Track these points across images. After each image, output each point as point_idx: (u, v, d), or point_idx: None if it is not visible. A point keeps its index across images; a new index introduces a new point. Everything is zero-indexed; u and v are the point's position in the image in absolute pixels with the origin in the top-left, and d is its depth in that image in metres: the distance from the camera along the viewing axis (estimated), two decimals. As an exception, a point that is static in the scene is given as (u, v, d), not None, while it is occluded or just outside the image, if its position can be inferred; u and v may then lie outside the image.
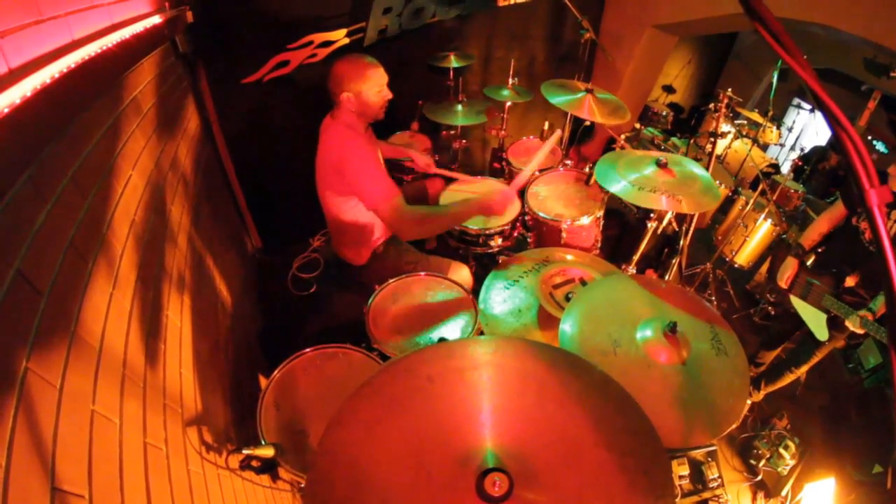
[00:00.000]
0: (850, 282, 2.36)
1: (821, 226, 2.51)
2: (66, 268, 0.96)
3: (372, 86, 2.05)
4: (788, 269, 2.49)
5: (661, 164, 2.17)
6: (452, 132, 3.55)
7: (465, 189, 2.86)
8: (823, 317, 2.43)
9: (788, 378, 2.80)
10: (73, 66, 1.05)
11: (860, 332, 2.26)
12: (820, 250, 2.60)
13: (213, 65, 2.68)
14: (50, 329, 0.85)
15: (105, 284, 1.11)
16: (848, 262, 2.39)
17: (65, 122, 1.03)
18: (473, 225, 2.55)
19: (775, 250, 2.95)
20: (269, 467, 1.56)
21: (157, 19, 1.82)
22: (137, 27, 1.59)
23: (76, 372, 0.89)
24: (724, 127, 4.49)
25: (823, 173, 5.10)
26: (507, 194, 2.14)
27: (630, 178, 2.16)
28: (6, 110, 0.79)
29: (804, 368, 2.72)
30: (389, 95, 2.13)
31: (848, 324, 2.28)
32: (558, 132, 2.63)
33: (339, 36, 3.00)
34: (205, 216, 2.15)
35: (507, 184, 2.92)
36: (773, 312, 3.50)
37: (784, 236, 3.44)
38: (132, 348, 1.14)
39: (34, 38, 1.02)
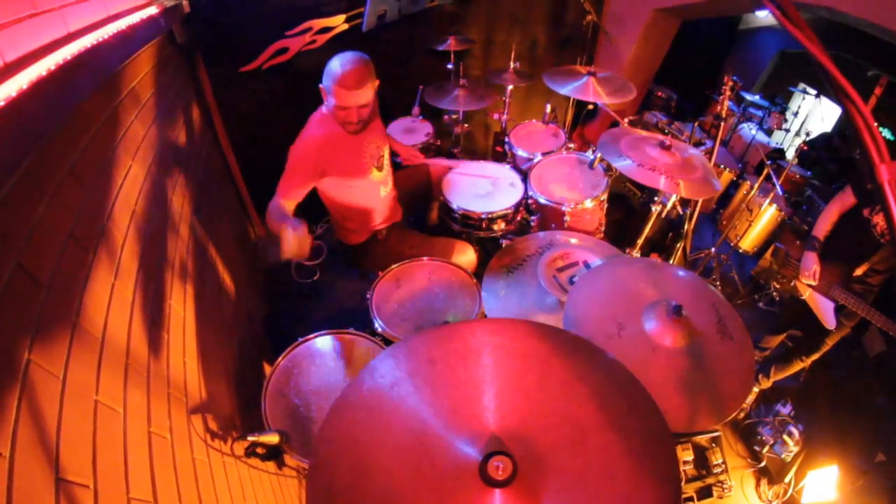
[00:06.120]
0: (858, 271, 2.34)
1: (831, 215, 2.48)
2: (67, 259, 0.96)
3: (334, 100, 1.98)
4: (811, 263, 2.45)
5: (664, 146, 2.15)
6: (454, 116, 3.53)
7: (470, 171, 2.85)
8: (831, 305, 2.41)
9: (798, 366, 2.81)
10: (69, 58, 1.05)
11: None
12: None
13: (211, 54, 2.66)
14: (51, 320, 0.86)
15: (107, 275, 1.11)
16: (857, 254, 2.36)
17: (62, 114, 1.02)
18: (476, 209, 2.54)
19: (779, 238, 2.92)
20: (274, 454, 1.57)
21: (153, 10, 1.80)
22: (133, 18, 1.57)
23: (79, 362, 0.90)
24: (728, 111, 4.44)
25: (831, 157, 5.02)
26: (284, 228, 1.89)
27: (632, 155, 2.14)
28: (2, 103, 0.78)
29: (815, 357, 2.72)
30: (351, 119, 2.02)
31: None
32: None
33: (338, 21, 2.97)
34: (206, 205, 2.15)
35: (513, 168, 2.90)
36: (777, 298, 3.48)
37: (789, 222, 3.40)
38: (135, 338, 1.15)
39: (29, 32, 1.01)
